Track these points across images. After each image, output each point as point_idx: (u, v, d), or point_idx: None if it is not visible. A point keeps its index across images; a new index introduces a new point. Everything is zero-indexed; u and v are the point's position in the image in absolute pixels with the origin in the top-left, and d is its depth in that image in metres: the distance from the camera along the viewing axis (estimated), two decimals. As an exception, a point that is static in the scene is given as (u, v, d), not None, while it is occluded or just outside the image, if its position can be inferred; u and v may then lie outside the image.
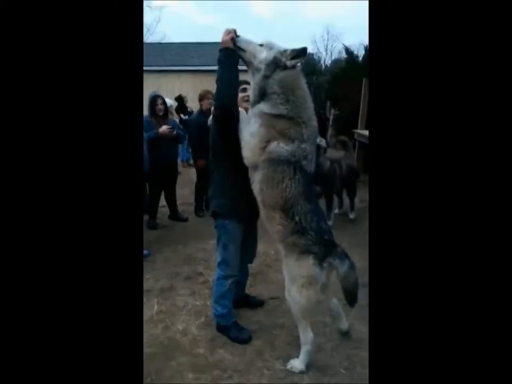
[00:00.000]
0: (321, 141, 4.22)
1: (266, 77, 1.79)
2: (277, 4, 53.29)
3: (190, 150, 6.10)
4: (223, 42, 1.88)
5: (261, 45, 1.86)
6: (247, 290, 2.72)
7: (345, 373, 1.98)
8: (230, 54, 1.87)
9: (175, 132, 4.11)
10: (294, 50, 1.81)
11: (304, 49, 1.82)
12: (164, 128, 3.99)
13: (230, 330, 2.26)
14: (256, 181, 1.88)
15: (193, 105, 8.22)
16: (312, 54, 30.84)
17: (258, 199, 1.91)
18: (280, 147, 1.78)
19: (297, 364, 1.98)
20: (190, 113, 6.73)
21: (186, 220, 4.56)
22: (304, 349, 1.98)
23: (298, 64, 1.85)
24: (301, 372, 1.95)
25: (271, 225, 1.91)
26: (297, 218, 1.81)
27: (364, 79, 6.70)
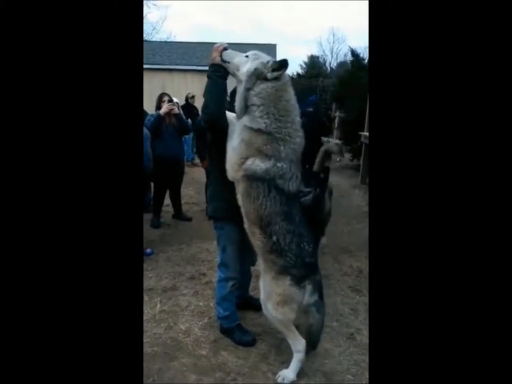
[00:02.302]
0: (336, 145, 3.60)
1: (247, 89, 1.75)
2: (282, 6, 53.47)
3: (195, 150, 6.07)
4: (211, 58, 1.91)
5: (247, 56, 1.83)
6: (251, 292, 2.67)
7: (353, 379, 1.93)
8: (217, 69, 1.89)
9: (177, 109, 4.04)
10: (275, 62, 1.75)
11: (285, 61, 1.73)
12: (165, 107, 3.91)
13: (234, 333, 2.22)
14: (239, 193, 1.86)
15: (200, 105, 8.20)
16: (318, 57, 30.86)
17: (242, 211, 1.87)
18: (255, 164, 1.73)
19: (287, 373, 1.88)
20: (197, 114, 6.70)
21: (190, 219, 4.53)
22: (298, 356, 1.89)
23: (286, 77, 1.79)
24: (293, 383, 1.86)
25: (252, 239, 1.86)
26: (274, 238, 1.74)
27: (370, 82, 6.64)
